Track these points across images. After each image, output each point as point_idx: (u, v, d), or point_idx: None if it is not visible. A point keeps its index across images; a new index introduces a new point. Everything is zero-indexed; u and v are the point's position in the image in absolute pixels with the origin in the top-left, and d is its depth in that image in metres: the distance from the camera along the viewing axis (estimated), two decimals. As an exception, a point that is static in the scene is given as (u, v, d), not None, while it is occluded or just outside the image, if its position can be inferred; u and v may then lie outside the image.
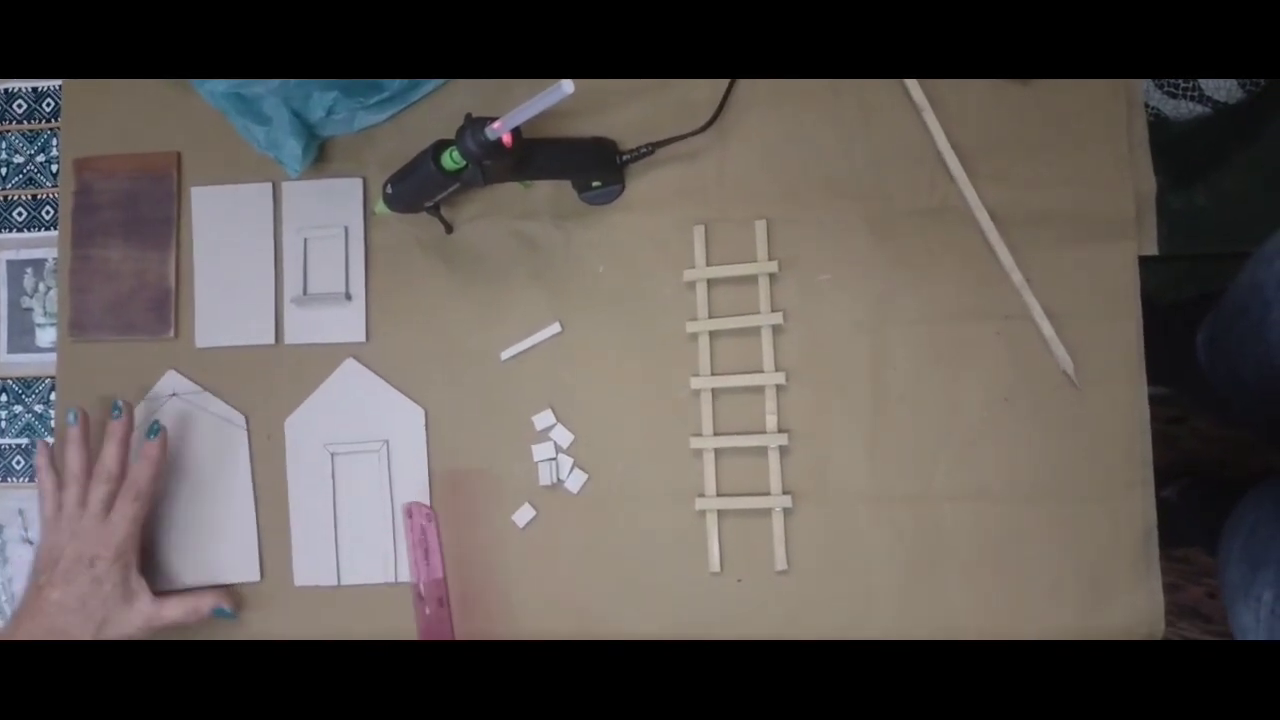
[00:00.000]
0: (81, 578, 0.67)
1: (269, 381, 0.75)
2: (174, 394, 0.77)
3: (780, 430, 0.69)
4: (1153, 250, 0.68)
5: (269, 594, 0.74)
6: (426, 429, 0.73)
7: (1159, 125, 0.96)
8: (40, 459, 0.72)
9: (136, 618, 0.68)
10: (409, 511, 0.69)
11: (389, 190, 0.66)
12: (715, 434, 0.70)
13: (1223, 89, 0.97)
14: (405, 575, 0.73)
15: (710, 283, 0.71)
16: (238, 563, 0.74)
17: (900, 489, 0.68)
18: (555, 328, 0.72)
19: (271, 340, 0.75)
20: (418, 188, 0.65)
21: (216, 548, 0.75)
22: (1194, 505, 0.97)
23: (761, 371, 0.69)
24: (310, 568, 0.74)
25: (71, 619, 0.66)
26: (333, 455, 0.74)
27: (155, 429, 0.71)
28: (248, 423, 0.75)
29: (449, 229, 0.73)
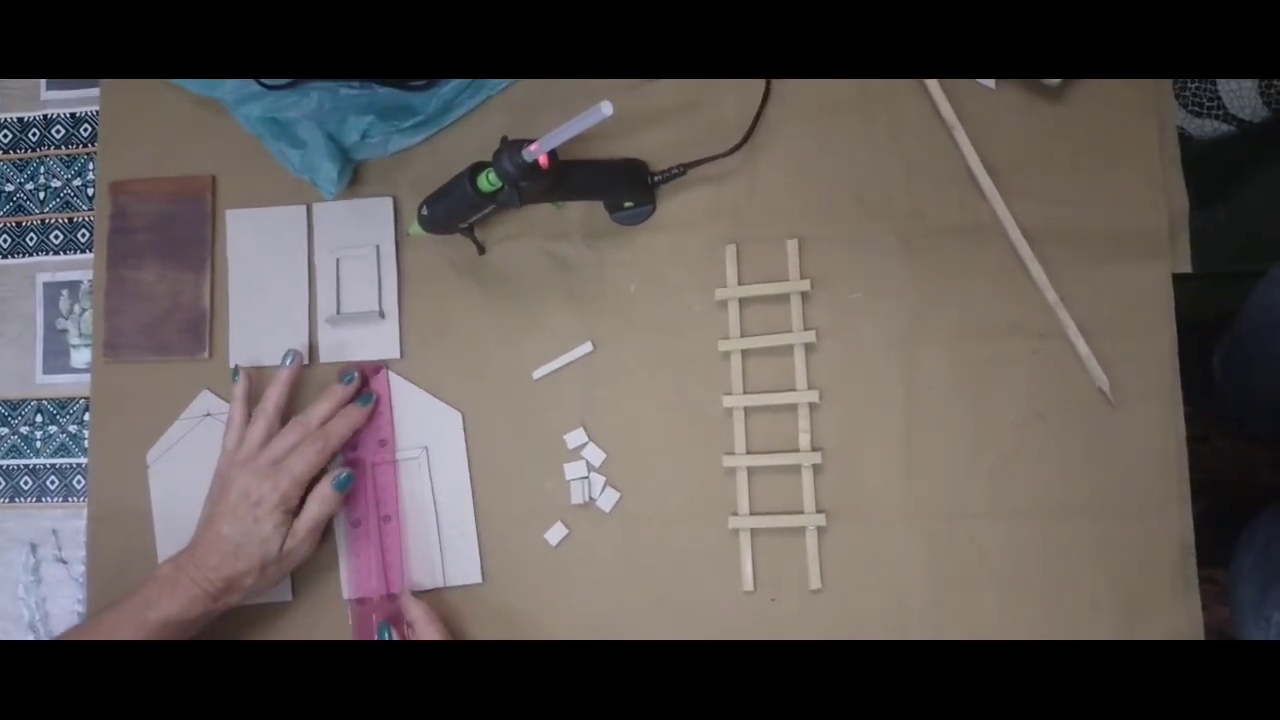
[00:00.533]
0: (246, 517, 0.67)
1: (304, 399, 0.75)
2: (208, 414, 0.77)
3: (814, 448, 0.69)
4: (1186, 268, 0.68)
5: (306, 609, 0.74)
6: (465, 430, 0.73)
7: (1182, 143, 0.96)
8: (239, 389, 0.73)
9: (290, 547, 0.69)
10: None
11: (424, 212, 0.67)
12: (748, 452, 0.70)
13: (1248, 107, 0.97)
14: (450, 580, 0.73)
15: (742, 301, 0.71)
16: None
17: (934, 506, 0.68)
18: (587, 347, 0.73)
19: (306, 359, 0.76)
20: (453, 209, 0.66)
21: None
22: (1217, 524, 0.97)
23: (794, 390, 0.70)
24: (349, 584, 0.74)
25: (240, 554, 0.67)
26: (371, 465, 0.74)
27: (368, 399, 0.73)
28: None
29: (481, 250, 0.74)
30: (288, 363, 0.73)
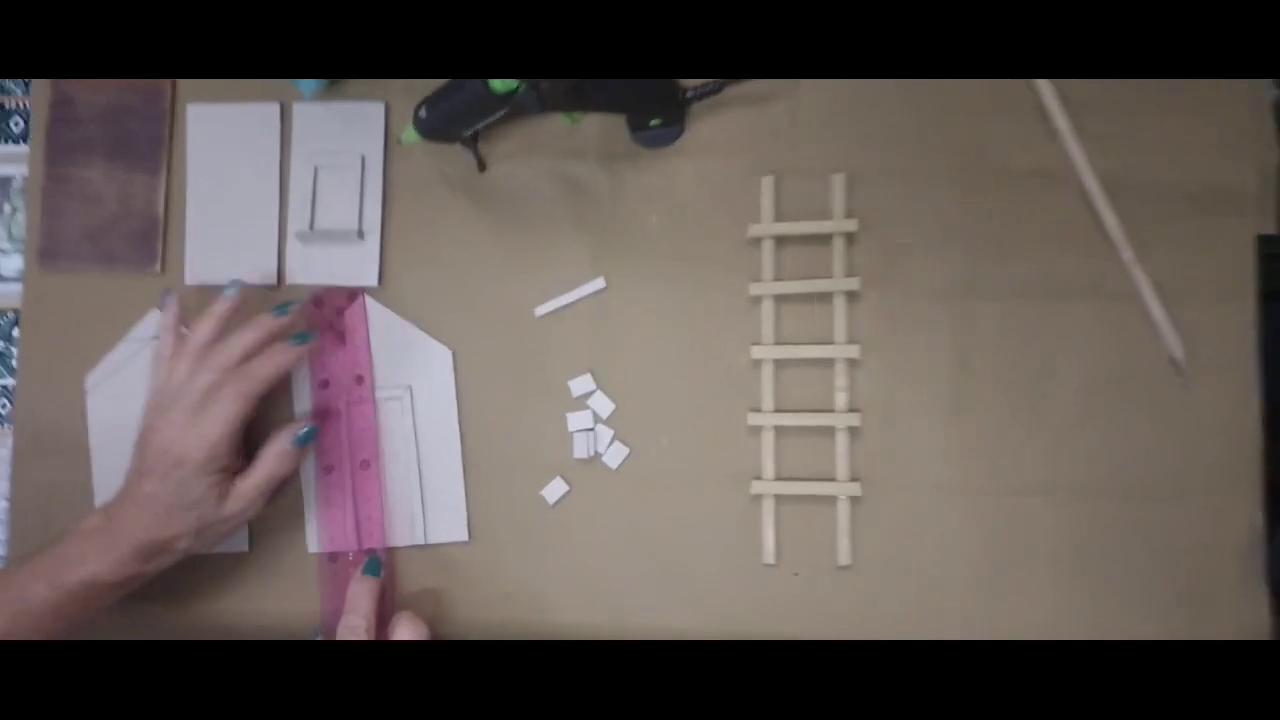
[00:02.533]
0: (169, 478, 0.57)
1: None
2: (156, 337, 0.67)
3: (851, 409, 0.61)
4: (1271, 229, 0.61)
5: (263, 564, 0.66)
6: (455, 370, 0.65)
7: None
8: (167, 317, 0.62)
9: (234, 510, 0.59)
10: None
11: (422, 114, 0.58)
12: (777, 410, 0.62)
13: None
14: (432, 537, 0.65)
15: (778, 241, 0.63)
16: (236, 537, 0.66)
17: (981, 481, 0.61)
18: (599, 283, 0.64)
19: (273, 281, 0.67)
20: (457, 112, 0.57)
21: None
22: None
23: (832, 343, 0.62)
24: (313, 539, 0.66)
25: (171, 517, 0.57)
26: (346, 403, 0.65)
27: (305, 337, 0.61)
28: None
29: (482, 165, 0.65)
30: (228, 293, 0.62)
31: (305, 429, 0.61)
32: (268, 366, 0.59)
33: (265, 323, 0.61)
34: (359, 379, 0.66)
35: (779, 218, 0.63)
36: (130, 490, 0.58)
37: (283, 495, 0.63)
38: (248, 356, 0.60)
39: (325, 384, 0.66)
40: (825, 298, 0.62)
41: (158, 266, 0.67)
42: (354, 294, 0.66)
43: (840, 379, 0.62)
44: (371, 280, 0.66)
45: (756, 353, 0.62)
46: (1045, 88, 0.61)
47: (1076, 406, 0.60)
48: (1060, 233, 0.61)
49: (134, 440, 0.60)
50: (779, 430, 0.62)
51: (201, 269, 0.67)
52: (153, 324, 0.67)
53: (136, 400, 0.65)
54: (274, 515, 0.65)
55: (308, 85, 0.65)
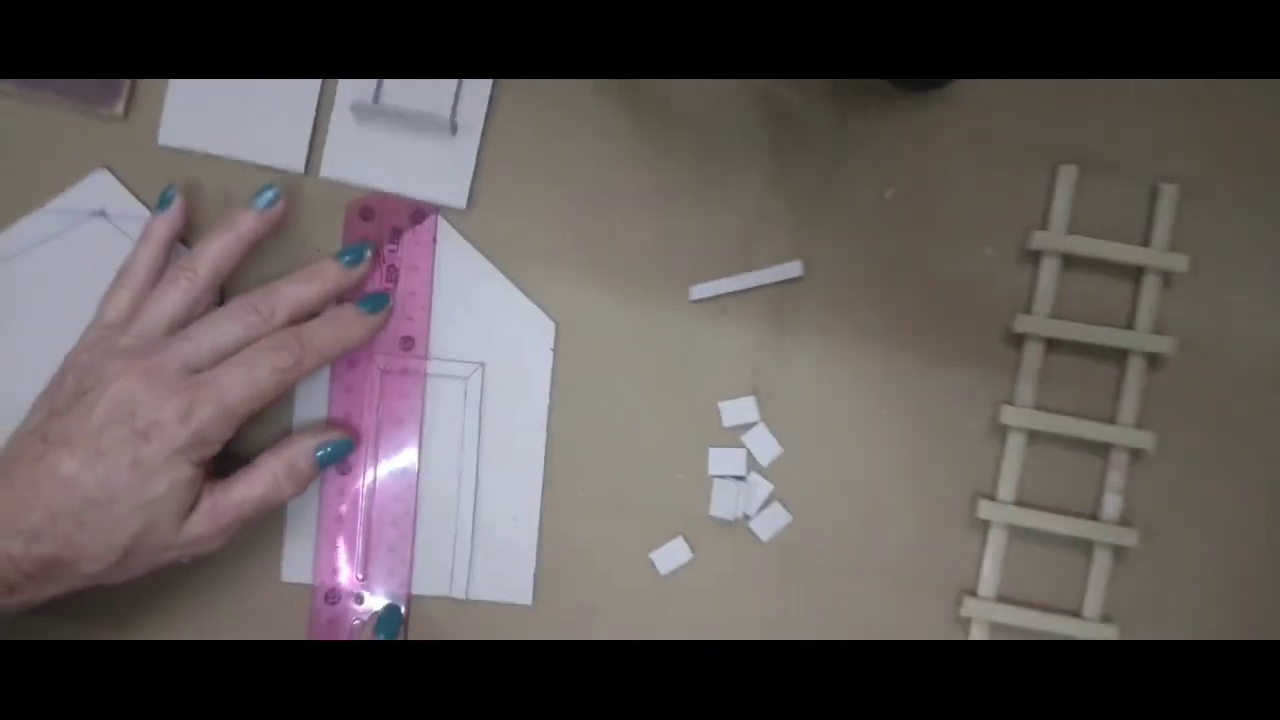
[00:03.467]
0: (121, 451, 0.36)
1: (279, 234, 0.43)
2: (101, 211, 0.44)
3: (1123, 522, 0.43)
4: None
5: (215, 587, 0.44)
6: (555, 352, 0.44)
7: None
8: (160, 223, 0.42)
9: (197, 533, 0.38)
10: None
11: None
12: (1018, 503, 0.43)
13: None
14: (479, 592, 0.44)
15: (1067, 261, 0.43)
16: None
17: None
18: (793, 268, 0.44)
19: (300, 166, 0.44)
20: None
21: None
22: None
23: (1113, 423, 0.43)
24: (298, 563, 0.44)
25: (97, 519, 0.36)
26: (381, 372, 0.44)
27: (381, 302, 0.42)
28: (223, 290, 0.43)
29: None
30: (261, 204, 0.41)
31: (334, 442, 0.40)
32: (328, 337, 0.39)
33: (328, 271, 0.41)
34: (407, 342, 0.44)
35: (1074, 228, 0.43)
36: (31, 467, 0.36)
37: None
38: (295, 315, 0.40)
39: (357, 339, 0.43)
40: (1113, 355, 0.43)
41: (120, 107, 0.44)
42: (422, 213, 0.44)
43: (1115, 475, 0.43)
44: (456, 200, 0.44)
45: (1007, 415, 0.43)
46: None
47: None
48: None
49: (43, 376, 0.38)
50: (1014, 531, 0.43)
51: (184, 128, 0.44)
52: (98, 190, 0.44)
53: (58, 300, 0.42)
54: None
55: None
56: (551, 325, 0.44)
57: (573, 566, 0.44)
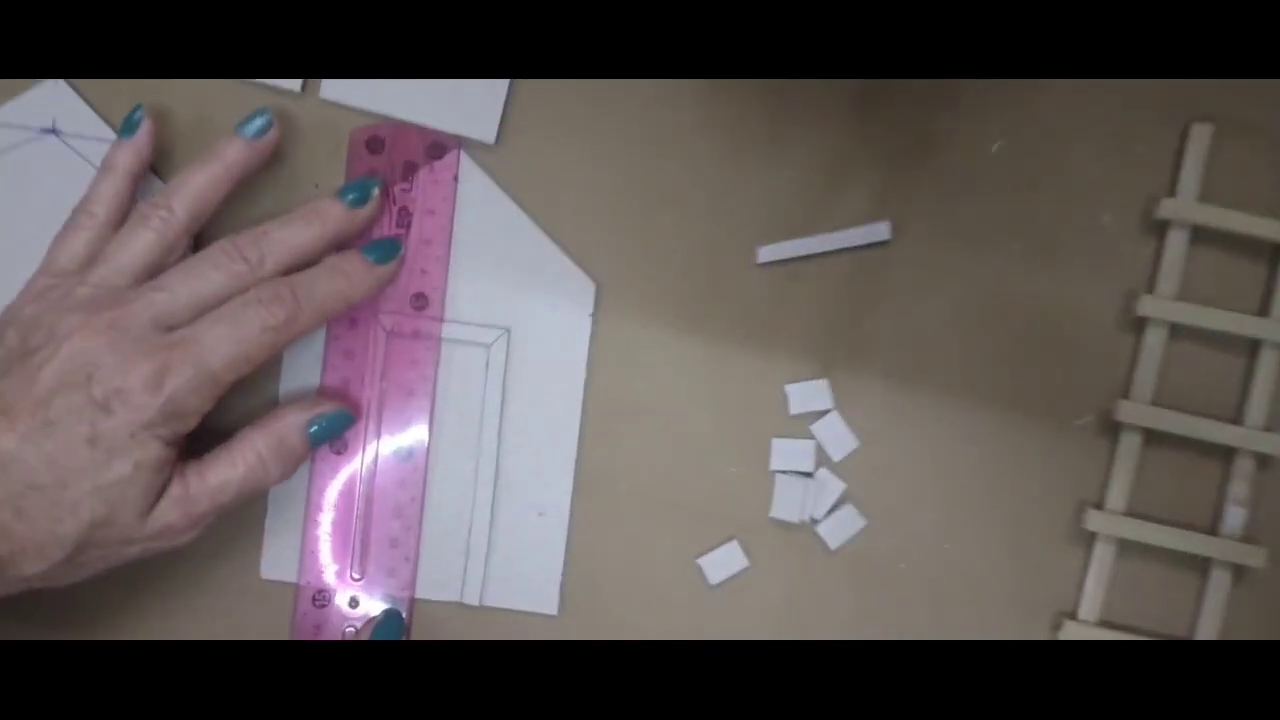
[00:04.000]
0: (76, 424, 0.29)
1: (271, 167, 0.36)
2: (53, 128, 0.37)
3: (1245, 539, 0.37)
4: None
5: (190, 582, 0.37)
6: (594, 317, 0.37)
7: None
8: (125, 151, 0.35)
9: (165, 523, 0.31)
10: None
11: None
12: (1129, 514, 0.37)
13: None
14: (494, 598, 0.37)
15: (1196, 232, 0.37)
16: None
17: None
18: (879, 230, 0.37)
19: (296, 86, 0.36)
20: None
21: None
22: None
23: (1239, 424, 0.37)
24: (282, 558, 0.37)
25: (40, 506, 0.29)
26: (387, 334, 0.37)
27: (392, 249, 0.36)
28: (201, 232, 0.36)
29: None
30: (250, 132, 0.34)
31: (329, 415, 0.33)
32: (330, 294, 0.33)
33: (330, 211, 0.34)
34: (420, 299, 0.37)
35: (1205, 196, 0.37)
36: None
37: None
38: (289, 263, 0.33)
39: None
40: (1240, 344, 0.37)
41: (79, 4, 0.36)
42: (441, 147, 0.37)
43: (1239, 485, 0.37)
44: (484, 133, 0.37)
45: (1123, 410, 0.37)
46: None
47: None
48: None
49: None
50: (1124, 546, 0.37)
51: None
52: (49, 102, 0.36)
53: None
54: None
55: None
56: (591, 286, 0.37)
57: (606, 572, 0.38)
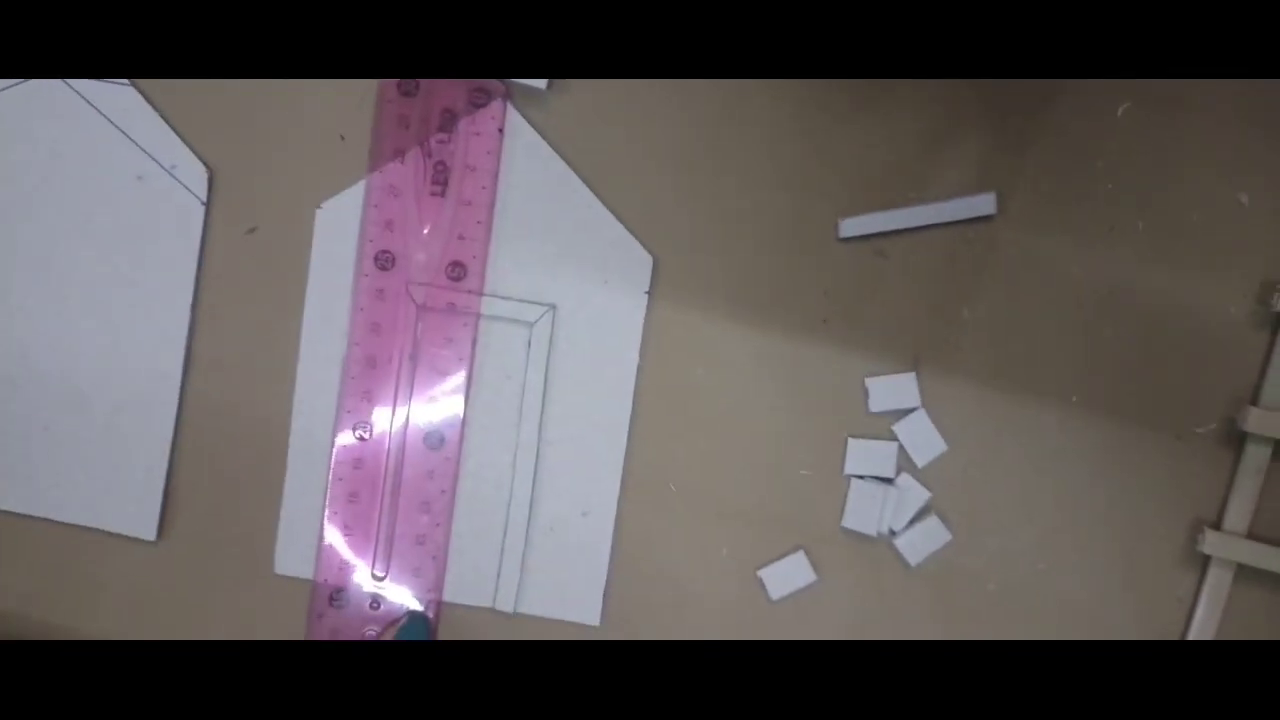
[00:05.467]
0: None
1: (290, 107, 0.32)
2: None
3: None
4: None
5: (191, 575, 0.33)
6: (650, 295, 0.33)
7: None
8: None
9: None
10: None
11: None
12: (1250, 536, 0.33)
13: None
14: (529, 605, 0.33)
15: (1350, 220, 0.32)
16: (119, 510, 0.33)
17: None
18: (984, 204, 0.32)
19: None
20: None
21: (82, 467, 0.33)
22: None
23: (1387, 437, 0.33)
24: (297, 552, 0.33)
25: None
26: (419, 307, 0.32)
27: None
28: (211, 188, 0.32)
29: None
30: None
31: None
32: None
33: None
34: (457, 269, 0.32)
35: (1363, 176, 0.32)
36: None
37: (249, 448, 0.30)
38: None
39: (385, 261, 0.32)
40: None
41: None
42: (486, 93, 0.32)
43: (1381, 508, 0.33)
44: (535, 80, 0.32)
45: (1250, 420, 0.32)
46: None
47: None
48: None
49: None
50: (1242, 571, 0.33)
51: None
52: None
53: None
54: (213, 498, 0.32)
55: None
56: (649, 260, 0.33)
57: (655, 580, 0.34)
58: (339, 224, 0.32)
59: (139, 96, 0.32)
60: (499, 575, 0.33)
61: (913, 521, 0.33)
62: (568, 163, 0.32)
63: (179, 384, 0.33)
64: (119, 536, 0.33)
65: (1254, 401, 0.33)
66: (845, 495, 0.33)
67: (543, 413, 0.33)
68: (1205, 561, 0.33)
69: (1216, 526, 0.33)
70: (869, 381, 0.33)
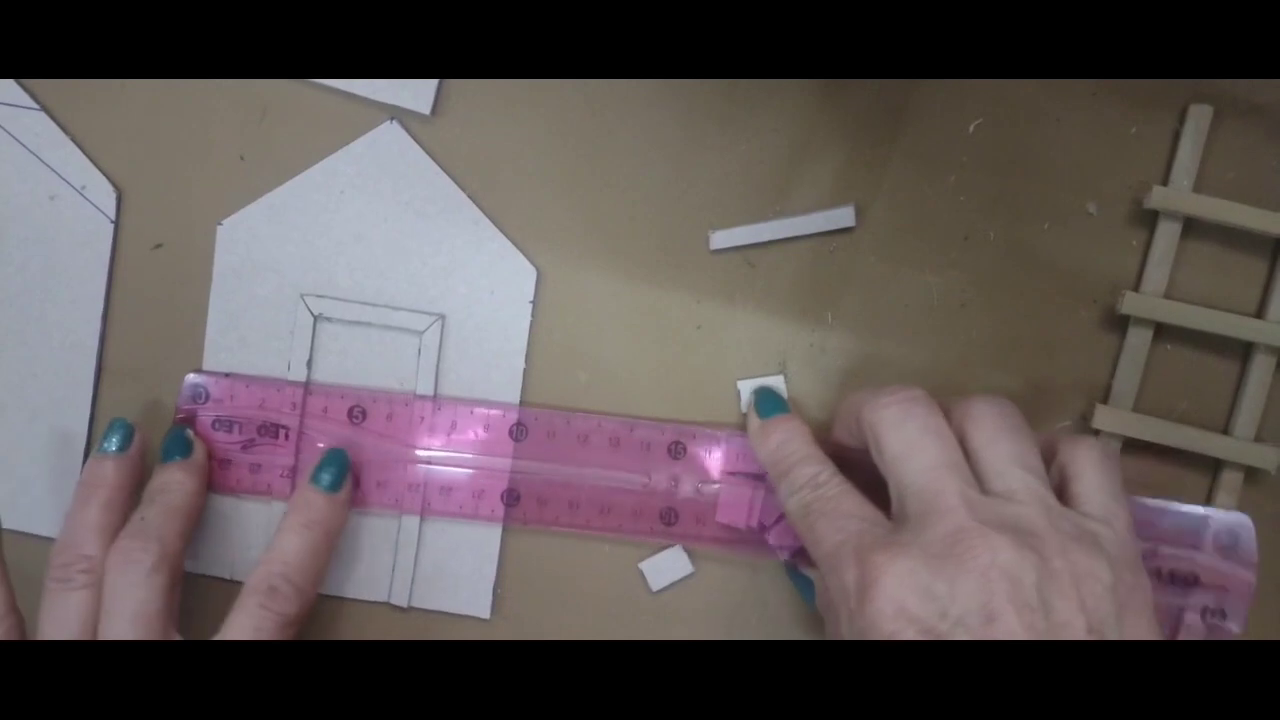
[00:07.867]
0: None
1: (193, 130, 0.34)
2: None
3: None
4: None
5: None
6: (534, 305, 0.35)
7: None
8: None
9: None
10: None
11: None
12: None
13: None
14: (423, 599, 0.35)
15: (1190, 225, 0.34)
16: (38, 513, 0.35)
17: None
18: (844, 216, 0.34)
19: (220, 50, 0.34)
20: None
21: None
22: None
23: (1227, 434, 0.34)
24: (216, 554, 0.35)
25: None
26: (316, 318, 0.34)
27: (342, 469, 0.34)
28: (119, 207, 0.34)
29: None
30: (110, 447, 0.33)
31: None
32: (309, 551, 0.33)
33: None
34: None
35: (1202, 186, 0.34)
36: None
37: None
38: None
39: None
40: (1233, 350, 0.35)
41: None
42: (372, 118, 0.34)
43: (1225, 499, 0.35)
44: (419, 103, 0.34)
45: (1103, 417, 0.34)
46: None
47: None
48: None
49: None
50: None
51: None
52: None
53: None
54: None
55: None
56: (533, 272, 0.35)
57: (542, 574, 0.35)
58: (238, 239, 0.35)
59: (50, 121, 0.34)
60: (394, 572, 0.35)
61: (782, 517, 0.35)
62: (455, 181, 0.34)
63: (92, 391, 0.35)
64: (40, 538, 0.35)
65: (1104, 400, 0.35)
66: (719, 491, 0.35)
67: (433, 403, 0.35)
68: (1061, 552, 0.35)
69: (1070, 518, 0.35)
70: (740, 384, 0.35)
